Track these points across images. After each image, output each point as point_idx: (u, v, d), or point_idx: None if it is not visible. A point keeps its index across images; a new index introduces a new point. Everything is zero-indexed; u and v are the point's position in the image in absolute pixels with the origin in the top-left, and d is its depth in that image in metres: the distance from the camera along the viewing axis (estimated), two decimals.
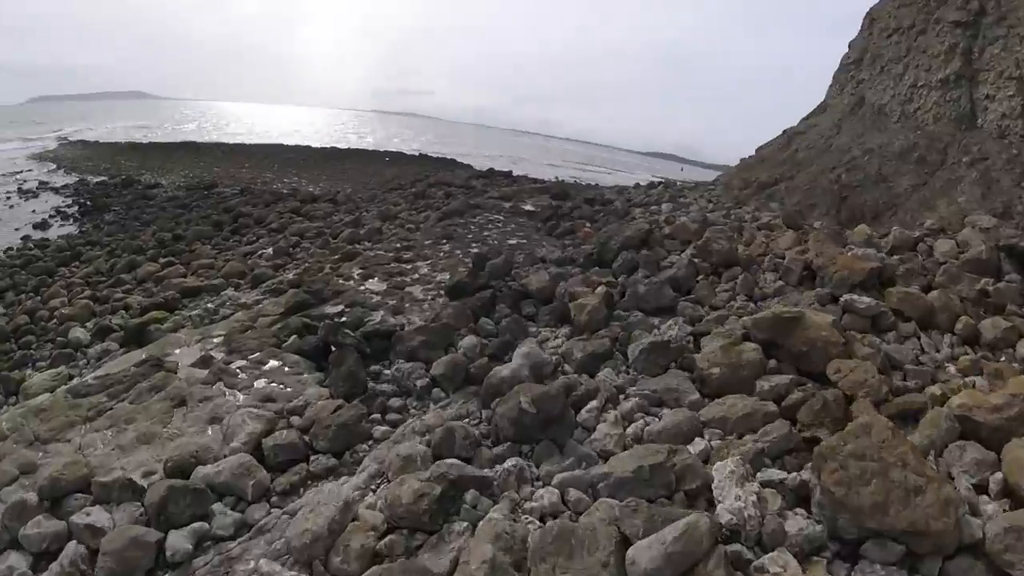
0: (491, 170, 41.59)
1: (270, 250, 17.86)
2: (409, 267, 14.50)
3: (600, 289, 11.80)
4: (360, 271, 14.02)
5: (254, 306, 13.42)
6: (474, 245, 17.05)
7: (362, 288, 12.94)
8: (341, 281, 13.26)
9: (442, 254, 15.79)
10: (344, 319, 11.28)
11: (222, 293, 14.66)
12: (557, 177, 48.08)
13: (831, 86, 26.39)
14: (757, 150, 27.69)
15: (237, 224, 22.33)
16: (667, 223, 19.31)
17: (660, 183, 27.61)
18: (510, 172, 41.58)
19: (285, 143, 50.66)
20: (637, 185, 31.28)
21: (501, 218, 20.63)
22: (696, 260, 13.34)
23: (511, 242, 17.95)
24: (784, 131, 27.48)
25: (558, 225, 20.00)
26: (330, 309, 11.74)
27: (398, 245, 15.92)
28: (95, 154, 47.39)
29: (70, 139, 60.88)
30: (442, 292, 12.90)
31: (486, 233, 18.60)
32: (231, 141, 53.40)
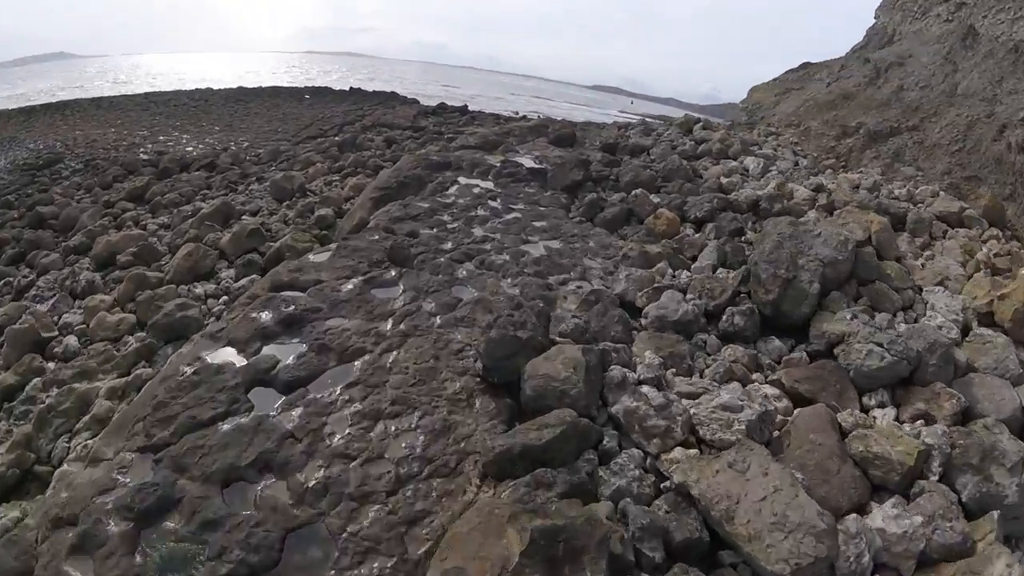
0: (442, 105, 30.91)
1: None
2: (296, 422, 4.48)
3: None
4: (141, 461, 3.93)
5: None
6: (464, 273, 7.11)
7: None
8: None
9: (388, 332, 5.81)
10: None
11: None
12: (517, 112, 37.52)
13: (890, 8, 22.28)
14: (832, 83, 19.01)
15: (24, 241, 11.73)
16: (785, 196, 10.03)
17: (699, 121, 17.88)
18: (465, 107, 31.10)
19: (187, 88, 38.98)
20: (644, 121, 21.24)
21: (492, 188, 10.58)
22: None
23: (532, 250, 8.10)
24: (864, 58, 19.79)
25: (601, 201, 10.18)
26: None
27: (266, 316, 5.73)
28: None
29: None
30: None
31: (477, 230, 8.62)
32: (139, 91, 41.03)
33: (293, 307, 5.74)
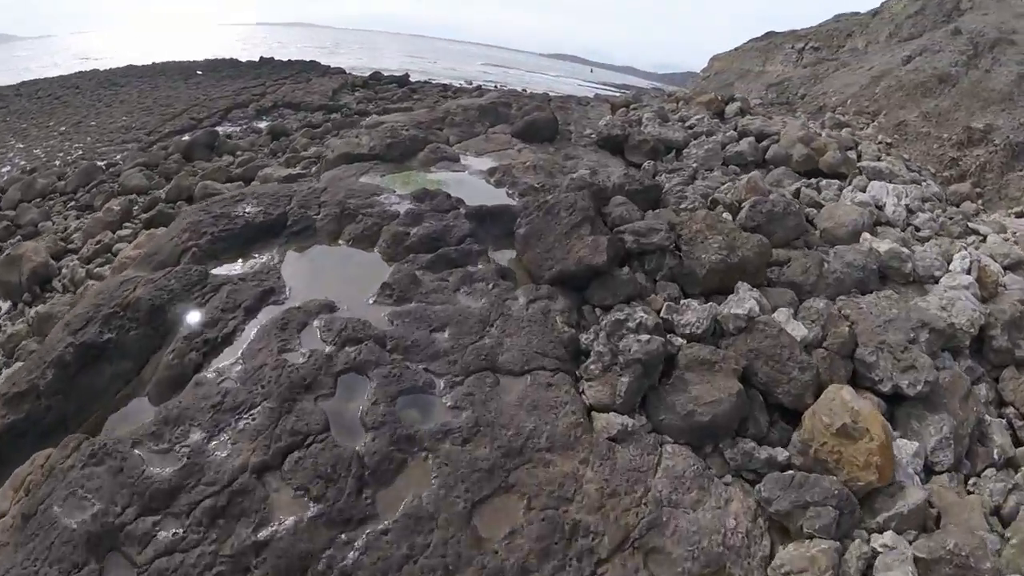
0: (376, 75, 23.59)
1: None
2: None
3: None
4: None
5: None
6: None
7: None
8: None
9: None
10: None
11: None
12: (471, 82, 30.07)
13: None
14: (915, 57, 12.98)
15: None
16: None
17: (732, 99, 10.86)
18: (406, 76, 24.01)
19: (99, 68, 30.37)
20: (639, 97, 13.87)
21: (364, 312, 3.85)
22: None
23: None
24: (953, 28, 14.15)
25: (666, 345, 3.43)
26: None
27: None
28: None
29: None
30: None
31: None
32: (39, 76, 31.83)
33: None
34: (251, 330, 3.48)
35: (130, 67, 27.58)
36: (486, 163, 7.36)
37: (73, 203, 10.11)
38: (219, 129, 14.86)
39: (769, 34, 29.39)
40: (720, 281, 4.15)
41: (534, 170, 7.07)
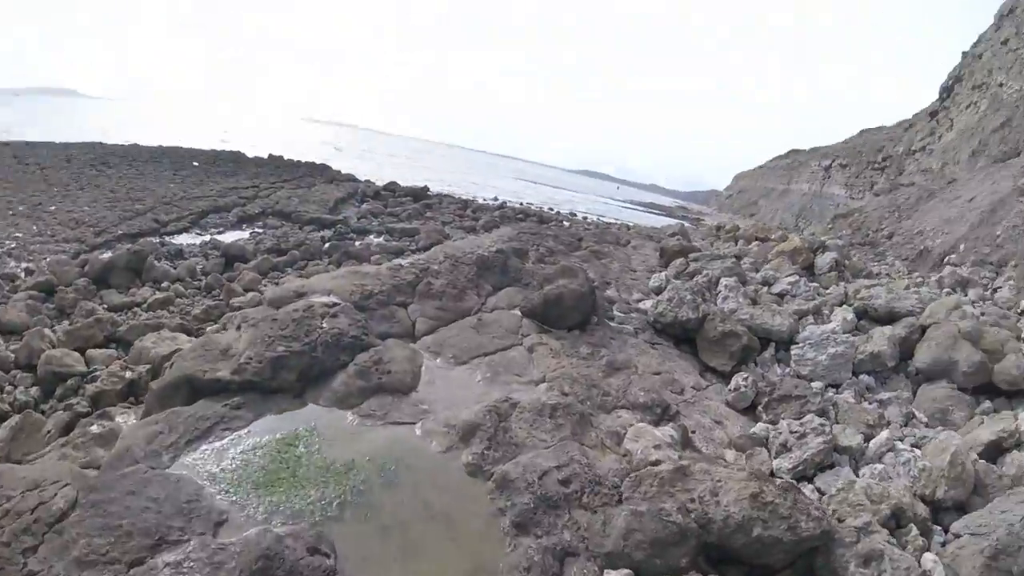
0: (392, 185, 21.55)
1: None
2: None
3: None
4: None
5: None
6: None
7: None
8: None
9: None
10: None
11: None
12: (496, 198, 28.11)
13: None
14: None
15: None
16: None
17: (825, 250, 8.35)
18: (424, 189, 22.19)
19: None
20: (682, 228, 12.76)
21: None
22: None
23: None
24: None
25: None
26: None
27: None
28: None
29: None
30: None
31: None
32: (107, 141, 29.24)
33: None
34: None
35: (134, 146, 25.90)
36: (464, 391, 4.53)
37: None
38: (179, 239, 12.50)
39: (792, 152, 29.68)
40: None
41: (551, 416, 4.22)
